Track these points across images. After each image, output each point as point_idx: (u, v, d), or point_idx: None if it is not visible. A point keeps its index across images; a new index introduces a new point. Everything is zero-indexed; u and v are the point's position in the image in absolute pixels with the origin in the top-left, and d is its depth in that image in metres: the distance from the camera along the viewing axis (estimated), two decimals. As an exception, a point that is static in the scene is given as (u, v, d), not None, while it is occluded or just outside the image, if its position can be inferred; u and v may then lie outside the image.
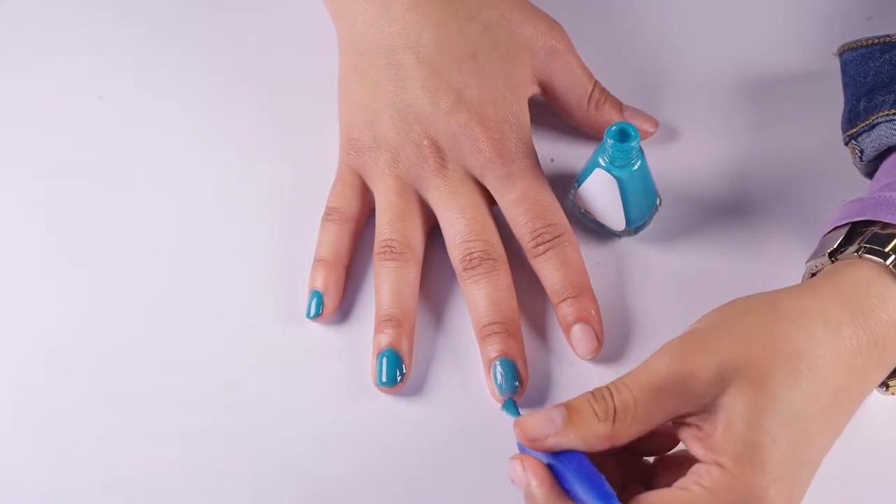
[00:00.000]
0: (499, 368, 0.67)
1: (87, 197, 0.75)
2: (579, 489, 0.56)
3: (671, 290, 0.71)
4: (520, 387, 0.67)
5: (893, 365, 0.60)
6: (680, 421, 0.58)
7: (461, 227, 0.70)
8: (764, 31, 0.80)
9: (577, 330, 0.68)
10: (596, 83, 0.75)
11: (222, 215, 0.74)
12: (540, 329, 0.70)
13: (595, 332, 0.68)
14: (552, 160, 0.75)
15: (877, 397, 0.65)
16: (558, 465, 0.57)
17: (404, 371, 0.68)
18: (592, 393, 0.57)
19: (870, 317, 0.58)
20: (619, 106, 0.75)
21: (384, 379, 0.67)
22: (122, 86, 0.79)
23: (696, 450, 0.57)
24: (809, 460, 0.57)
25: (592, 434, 0.57)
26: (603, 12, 0.81)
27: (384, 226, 0.71)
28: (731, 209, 0.74)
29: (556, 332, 0.70)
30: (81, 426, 0.68)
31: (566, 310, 0.69)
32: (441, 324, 0.71)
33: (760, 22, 0.81)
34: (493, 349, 0.67)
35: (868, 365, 0.58)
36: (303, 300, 0.70)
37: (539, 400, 0.68)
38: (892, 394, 0.64)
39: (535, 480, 0.57)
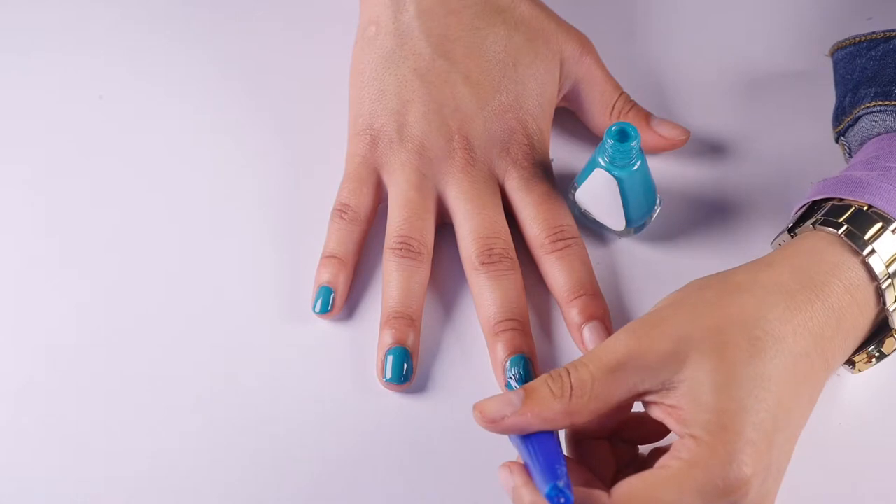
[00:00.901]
0: (512, 365, 0.67)
1: (88, 196, 0.75)
2: (533, 471, 0.57)
3: (671, 291, 0.71)
4: None
5: (855, 334, 0.61)
6: (645, 400, 0.58)
7: (481, 222, 0.70)
8: (765, 32, 0.81)
9: (589, 328, 0.68)
10: (621, 94, 0.75)
11: (224, 213, 0.74)
12: (544, 334, 0.71)
13: (607, 329, 0.68)
14: (552, 160, 0.75)
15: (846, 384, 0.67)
16: (525, 449, 0.58)
17: (412, 368, 0.68)
18: (550, 373, 0.58)
19: (823, 284, 0.59)
20: (646, 116, 0.75)
21: (390, 376, 0.67)
22: (122, 86, 0.79)
23: (672, 426, 0.57)
24: (783, 426, 0.57)
25: (549, 411, 0.57)
26: (601, 13, 0.81)
27: (401, 221, 0.70)
28: (730, 209, 0.74)
29: (559, 338, 0.70)
30: (85, 424, 0.68)
31: (578, 308, 0.69)
32: (446, 321, 0.71)
33: (761, 23, 0.81)
34: (507, 346, 0.67)
35: (826, 330, 0.59)
36: (306, 297, 0.70)
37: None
38: (860, 370, 0.64)
39: (520, 479, 0.57)
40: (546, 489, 0.55)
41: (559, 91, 0.75)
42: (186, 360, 0.69)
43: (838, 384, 0.67)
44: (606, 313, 0.69)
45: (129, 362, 0.69)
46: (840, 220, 0.61)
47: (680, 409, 0.57)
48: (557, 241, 0.70)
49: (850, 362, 0.64)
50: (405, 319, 0.68)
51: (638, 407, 0.61)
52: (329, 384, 0.68)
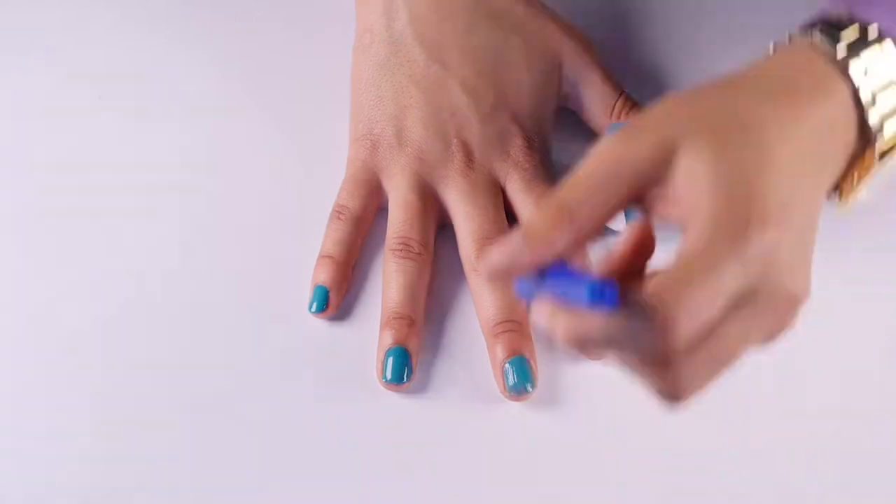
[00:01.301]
0: (511, 367, 0.67)
1: (88, 196, 0.75)
2: (572, 295, 0.51)
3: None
4: (532, 386, 0.67)
5: (844, 151, 0.57)
6: (646, 200, 0.54)
7: (480, 224, 0.70)
8: (764, 30, 0.80)
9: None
10: (622, 94, 0.75)
11: (223, 213, 0.74)
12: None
13: None
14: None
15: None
16: (547, 288, 0.53)
17: (411, 369, 0.68)
18: (538, 205, 0.55)
19: (823, 89, 0.56)
20: None
21: (390, 377, 0.68)
22: (122, 86, 0.79)
23: (678, 220, 0.53)
24: (798, 202, 0.53)
25: (557, 242, 0.52)
26: (601, 13, 0.81)
27: (401, 223, 0.71)
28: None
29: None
30: (84, 424, 0.68)
31: None
32: (445, 323, 0.71)
33: (761, 21, 0.81)
34: (505, 347, 0.67)
35: (823, 134, 0.55)
36: (307, 298, 0.70)
37: (546, 401, 0.68)
38: (845, 202, 0.61)
39: (549, 309, 0.52)
40: (585, 294, 0.50)
41: (560, 92, 0.75)
42: (186, 360, 0.69)
43: (837, 384, 0.67)
44: None
45: (127, 362, 0.69)
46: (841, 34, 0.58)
47: (683, 199, 0.53)
48: None
49: (837, 189, 0.60)
50: (405, 320, 0.68)
51: None
52: (329, 385, 0.68)
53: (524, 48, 0.73)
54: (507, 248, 0.53)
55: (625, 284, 0.53)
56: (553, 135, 0.75)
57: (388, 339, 0.68)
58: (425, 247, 0.70)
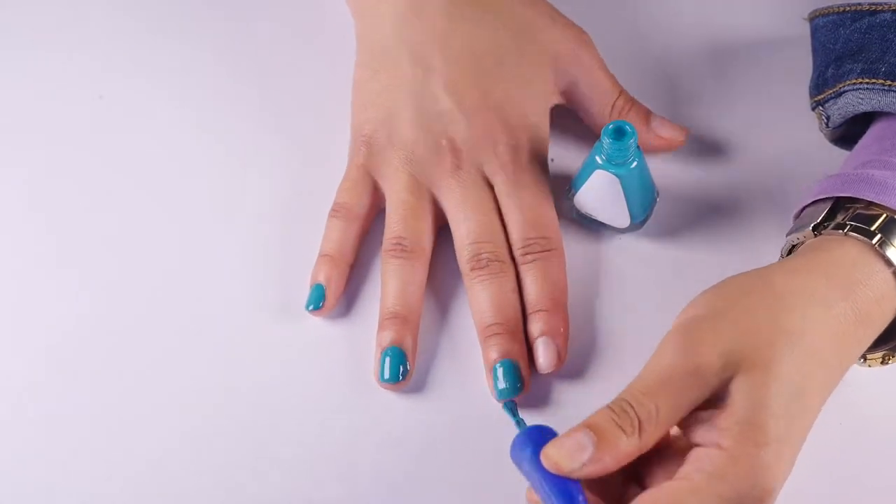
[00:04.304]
0: (500, 369, 0.67)
1: (87, 196, 0.75)
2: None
3: (672, 284, 0.71)
4: (521, 388, 0.67)
5: (873, 338, 0.62)
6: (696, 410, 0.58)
7: (472, 227, 0.70)
8: (765, 27, 0.80)
9: (540, 343, 0.68)
10: (622, 92, 0.75)
11: (224, 214, 0.75)
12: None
13: (558, 349, 0.68)
14: (552, 160, 0.75)
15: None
16: (540, 480, 0.57)
17: (408, 369, 0.68)
18: (612, 408, 0.57)
19: (856, 295, 0.60)
20: (646, 115, 0.75)
21: (387, 376, 0.68)
22: (122, 86, 0.79)
23: (696, 434, 0.57)
24: (804, 431, 0.58)
25: (623, 452, 0.56)
26: (599, 7, 0.81)
27: (396, 223, 0.71)
28: (729, 199, 0.74)
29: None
30: (84, 424, 0.68)
31: (536, 322, 0.69)
32: (444, 323, 0.71)
33: (761, 17, 0.81)
34: (496, 350, 0.67)
35: (853, 340, 0.60)
36: (306, 296, 0.70)
37: (539, 402, 0.68)
38: (870, 366, 0.65)
39: None
40: None
41: (555, 89, 0.74)
42: (187, 359, 0.70)
43: (839, 384, 0.67)
44: (564, 329, 0.69)
45: (128, 362, 0.69)
46: (873, 229, 0.61)
47: (714, 419, 0.56)
48: (528, 252, 0.70)
49: (862, 357, 0.65)
50: (400, 319, 0.68)
51: None
52: (325, 383, 0.68)
53: (512, 45, 0.73)
54: (576, 447, 0.56)
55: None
56: (551, 135, 0.75)
57: (385, 339, 0.68)
58: (419, 245, 0.70)
